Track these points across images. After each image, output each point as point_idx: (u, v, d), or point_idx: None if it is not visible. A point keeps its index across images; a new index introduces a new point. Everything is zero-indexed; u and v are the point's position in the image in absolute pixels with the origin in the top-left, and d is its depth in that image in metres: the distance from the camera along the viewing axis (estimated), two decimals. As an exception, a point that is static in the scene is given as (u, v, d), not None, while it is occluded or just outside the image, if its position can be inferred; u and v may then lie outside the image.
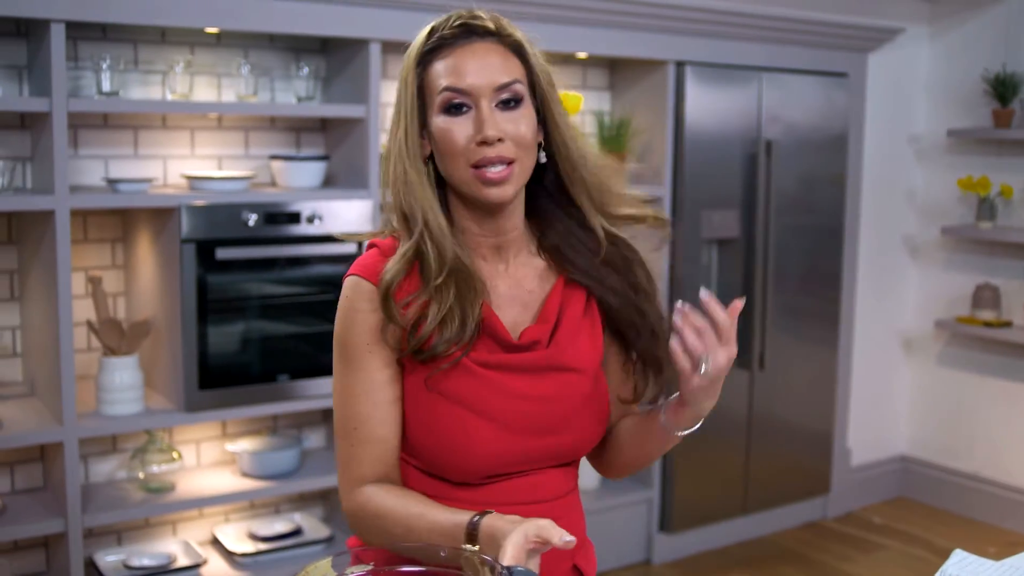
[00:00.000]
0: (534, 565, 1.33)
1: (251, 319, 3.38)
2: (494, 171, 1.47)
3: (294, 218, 3.36)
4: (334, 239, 3.42)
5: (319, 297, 3.49)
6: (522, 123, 1.49)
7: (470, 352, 1.50)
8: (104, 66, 3.20)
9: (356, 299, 1.53)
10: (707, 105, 4.27)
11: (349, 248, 3.46)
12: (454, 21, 1.51)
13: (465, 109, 1.48)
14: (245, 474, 3.55)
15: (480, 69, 1.47)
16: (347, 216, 3.45)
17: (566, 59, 4.19)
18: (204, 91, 3.51)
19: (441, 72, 1.48)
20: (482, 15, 1.52)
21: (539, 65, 1.53)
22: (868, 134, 4.97)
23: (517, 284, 1.59)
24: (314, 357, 3.49)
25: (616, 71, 4.41)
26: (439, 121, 1.49)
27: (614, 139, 4.21)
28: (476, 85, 1.47)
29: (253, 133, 3.64)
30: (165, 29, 3.41)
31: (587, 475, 3.88)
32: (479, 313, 1.51)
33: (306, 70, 3.58)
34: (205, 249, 3.22)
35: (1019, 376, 4.86)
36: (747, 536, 4.69)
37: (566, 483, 1.61)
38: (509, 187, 1.50)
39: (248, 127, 3.63)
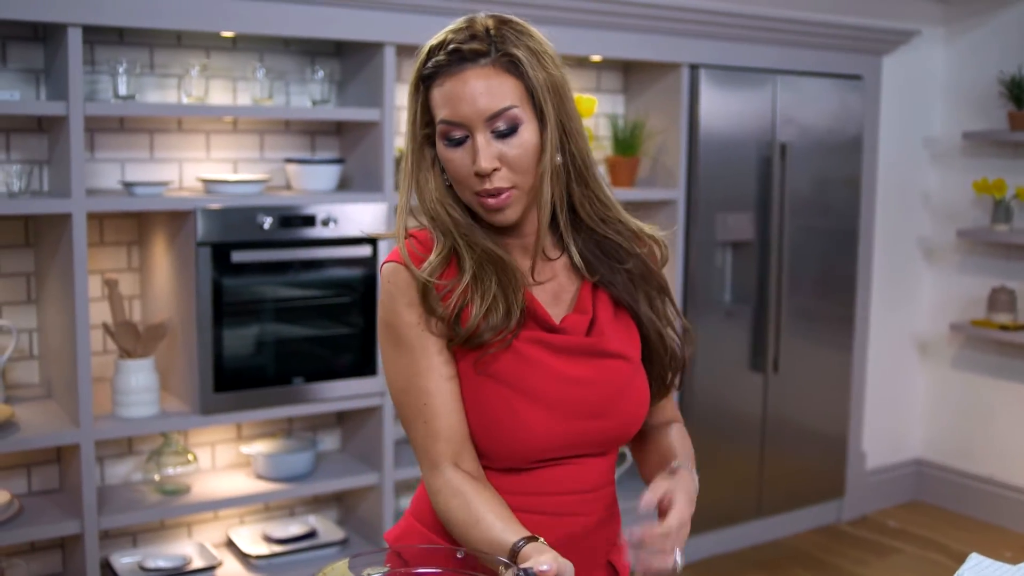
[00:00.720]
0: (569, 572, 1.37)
1: (266, 322, 3.39)
2: (492, 200, 1.51)
3: (309, 221, 3.37)
4: (349, 241, 3.43)
5: (334, 300, 3.50)
6: (518, 149, 1.49)
7: (523, 332, 1.54)
8: (120, 70, 3.22)
9: (397, 284, 1.55)
10: (721, 108, 4.27)
11: (364, 251, 3.47)
12: (448, 45, 1.50)
13: (463, 139, 1.50)
14: (260, 476, 3.56)
15: (472, 100, 1.47)
16: (362, 219, 3.46)
17: (580, 62, 4.19)
18: (219, 95, 3.53)
19: (438, 102, 1.51)
20: (478, 30, 1.50)
21: (540, 78, 1.50)
22: (883, 137, 4.96)
23: (548, 278, 1.62)
24: (329, 360, 3.49)
25: (630, 74, 4.41)
26: (442, 149, 1.53)
27: (628, 142, 4.21)
28: (468, 116, 1.48)
29: (268, 136, 3.65)
30: (181, 33, 3.43)
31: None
32: (522, 299, 1.54)
33: (321, 74, 3.59)
34: (220, 252, 3.23)
35: (1035, 379, 4.84)
36: (761, 539, 4.68)
37: (607, 474, 1.64)
38: (511, 211, 1.53)
39: (263, 130, 3.64)
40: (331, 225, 3.41)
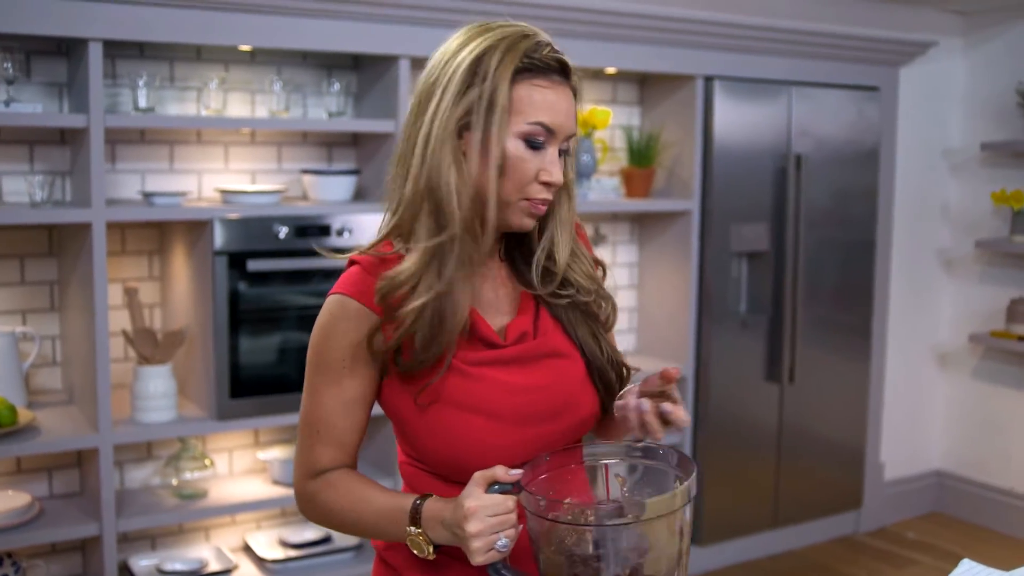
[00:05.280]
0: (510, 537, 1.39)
1: (282, 330, 3.45)
2: (543, 207, 1.51)
3: (325, 231, 3.43)
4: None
5: (349, 308, 3.54)
6: (563, 170, 1.54)
7: (459, 354, 1.52)
8: (141, 83, 3.29)
9: (341, 316, 1.53)
10: (736, 119, 4.30)
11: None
12: (546, 48, 1.49)
13: (544, 145, 1.49)
14: (276, 482, 3.62)
15: (567, 115, 1.50)
16: (376, 229, 3.51)
17: (596, 74, 4.23)
18: (238, 107, 3.60)
19: (539, 103, 1.48)
20: (560, 52, 1.52)
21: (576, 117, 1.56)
22: (901, 148, 4.96)
23: (494, 282, 1.61)
24: (344, 367, 3.54)
25: (646, 86, 4.45)
26: (517, 148, 1.48)
27: (643, 153, 4.25)
28: (562, 128, 1.50)
29: (286, 148, 3.72)
30: (200, 47, 3.50)
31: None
32: (466, 322, 1.52)
33: (337, 86, 3.65)
34: (237, 261, 3.30)
35: (1054, 391, 4.83)
36: (778, 550, 4.69)
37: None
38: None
39: (281, 142, 3.71)
40: (346, 235, 3.46)
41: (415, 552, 1.47)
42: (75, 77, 3.20)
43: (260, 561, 3.56)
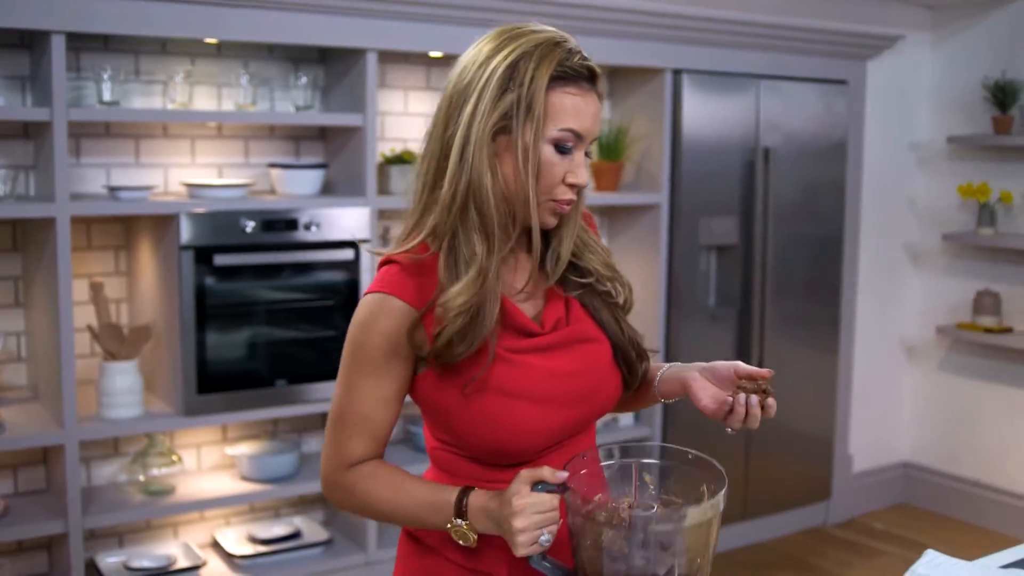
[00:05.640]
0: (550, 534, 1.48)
1: (250, 324, 3.44)
2: (567, 207, 1.60)
3: (292, 225, 3.42)
4: (332, 245, 3.48)
5: (317, 303, 3.54)
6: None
7: (501, 343, 1.59)
8: (105, 76, 3.26)
9: (381, 313, 1.56)
10: (704, 112, 4.31)
11: (347, 254, 3.51)
12: (577, 55, 1.56)
13: (572, 150, 1.57)
14: (245, 477, 3.60)
15: (594, 120, 1.58)
16: (345, 223, 3.51)
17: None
18: (204, 101, 3.57)
19: (569, 110, 1.54)
20: (588, 58, 1.59)
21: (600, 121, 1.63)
22: (868, 141, 4.99)
23: (524, 273, 1.67)
24: (312, 362, 3.54)
25: (614, 79, 4.45)
26: (547, 151, 1.55)
27: (612, 147, 4.25)
28: (589, 133, 1.57)
29: (253, 142, 3.70)
30: (166, 40, 3.48)
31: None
32: (494, 333, 1.57)
33: (304, 79, 3.63)
34: (204, 255, 3.28)
35: (1020, 382, 4.87)
36: (748, 541, 4.71)
37: (591, 441, 1.75)
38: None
39: (248, 136, 3.69)
40: (314, 229, 3.45)
41: (459, 541, 1.55)
42: (38, 70, 3.17)
43: (229, 557, 3.54)
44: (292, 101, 3.67)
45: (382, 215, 3.84)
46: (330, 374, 3.54)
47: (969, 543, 4.68)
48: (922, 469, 5.31)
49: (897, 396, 5.35)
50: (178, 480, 3.55)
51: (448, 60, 3.87)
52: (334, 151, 3.75)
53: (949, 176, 5.09)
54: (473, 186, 1.52)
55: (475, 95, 1.53)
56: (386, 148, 3.84)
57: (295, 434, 3.87)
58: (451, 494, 1.55)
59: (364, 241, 3.54)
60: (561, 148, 1.54)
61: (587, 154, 1.61)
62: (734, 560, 4.56)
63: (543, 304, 1.67)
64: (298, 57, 3.73)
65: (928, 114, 5.19)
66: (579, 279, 1.69)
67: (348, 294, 3.55)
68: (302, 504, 3.90)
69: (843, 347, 4.96)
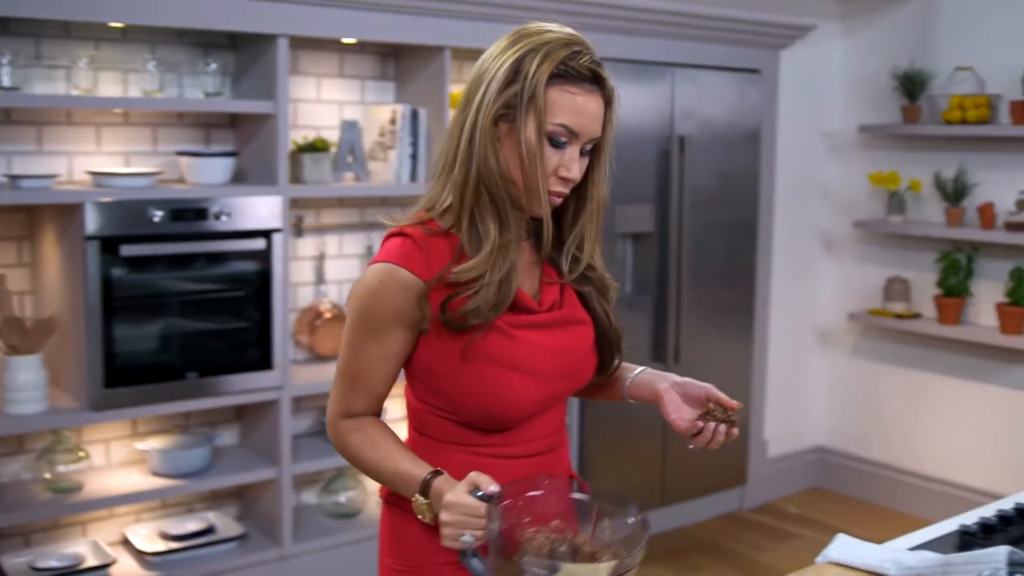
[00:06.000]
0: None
1: (159, 316, 3.36)
2: (559, 199, 1.70)
3: (202, 214, 3.34)
4: (243, 235, 3.41)
5: (228, 293, 3.47)
6: (585, 168, 1.71)
7: (503, 317, 1.70)
8: (5, 61, 3.16)
9: (390, 282, 1.66)
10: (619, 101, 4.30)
11: (258, 244, 3.45)
12: (584, 56, 1.65)
13: (565, 145, 1.66)
14: (155, 473, 3.53)
15: (591, 119, 1.66)
16: (256, 212, 3.44)
17: (477, 54, 4.19)
18: (109, 87, 3.48)
19: (567, 107, 1.64)
20: (596, 57, 1.67)
21: (613, 119, 1.72)
22: (782, 130, 5.05)
23: (524, 255, 1.78)
24: (224, 353, 3.47)
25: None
26: (543, 145, 1.66)
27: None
28: (584, 131, 1.66)
29: (161, 129, 3.61)
30: (68, 23, 3.37)
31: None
32: (513, 291, 1.70)
33: (214, 66, 3.56)
34: (110, 246, 3.19)
35: (929, 366, 4.97)
36: (666, 527, 4.75)
37: (562, 415, 1.87)
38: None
39: (156, 123, 3.60)
40: (224, 218, 3.38)
41: (418, 516, 1.66)
42: (-67, 54, 3.06)
43: (140, 554, 3.47)
44: (201, 88, 3.59)
45: (295, 204, 3.78)
46: (242, 367, 3.49)
47: (881, 525, 4.77)
48: (835, 453, 5.40)
49: (811, 382, 5.43)
50: (86, 477, 3.46)
51: (361, 46, 3.82)
52: (245, 139, 3.68)
53: (860, 164, 5.16)
54: (481, 169, 1.66)
55: (485, 84, 1.66)
56: (299, 136, 3.78)
57: (207, 428, 3.80)
58: (423, 471, 1.66)
59: (277, 230, 3.48)
60: (555, 142, 1.64)
61: (584, 152, 1.68)
62: (652, 546, 4.54)
63: (539, 284, 1.78)
64: (208, 43, 3.65)
65: (840, 103, 5.27)
66: (578, 269, 1.82)
67: (260, 284, 3.49)
68: (215, 499, 3.83)
69: (757, 334, 5.02)
